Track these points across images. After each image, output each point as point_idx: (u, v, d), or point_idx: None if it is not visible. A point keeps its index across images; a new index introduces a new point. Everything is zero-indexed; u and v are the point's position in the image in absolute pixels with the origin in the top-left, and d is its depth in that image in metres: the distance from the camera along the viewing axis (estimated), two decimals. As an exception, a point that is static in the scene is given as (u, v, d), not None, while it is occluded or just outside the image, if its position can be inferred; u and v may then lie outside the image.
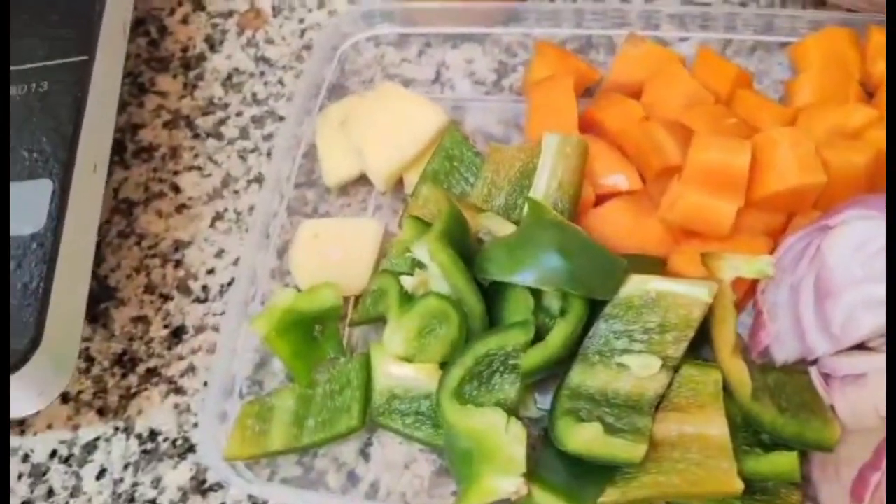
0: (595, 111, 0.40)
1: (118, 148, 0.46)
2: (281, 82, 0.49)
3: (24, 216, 0.32)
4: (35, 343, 0.29)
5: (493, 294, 0.34)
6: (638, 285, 0.32)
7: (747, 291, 0.36)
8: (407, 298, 0.34)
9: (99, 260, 0.41)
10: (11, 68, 0.36)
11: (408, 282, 0.34)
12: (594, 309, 0.33)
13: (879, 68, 0.42)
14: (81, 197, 0.34)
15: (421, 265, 0.34)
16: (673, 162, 0.37)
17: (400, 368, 0.33)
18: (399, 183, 0.42)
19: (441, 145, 0.40)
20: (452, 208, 0.35)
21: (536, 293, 0.34)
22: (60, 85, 0.36)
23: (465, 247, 0.35)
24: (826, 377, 0.33)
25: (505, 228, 0.36)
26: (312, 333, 0.36)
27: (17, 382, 0.28)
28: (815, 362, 0.34)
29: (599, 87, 0.45)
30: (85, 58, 0.37)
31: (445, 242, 0.33)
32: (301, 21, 0.52)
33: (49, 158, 0.33)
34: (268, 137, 0.47)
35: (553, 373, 0.33)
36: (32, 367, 0.29)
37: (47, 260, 0.31)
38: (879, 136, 0.38)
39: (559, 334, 0.32)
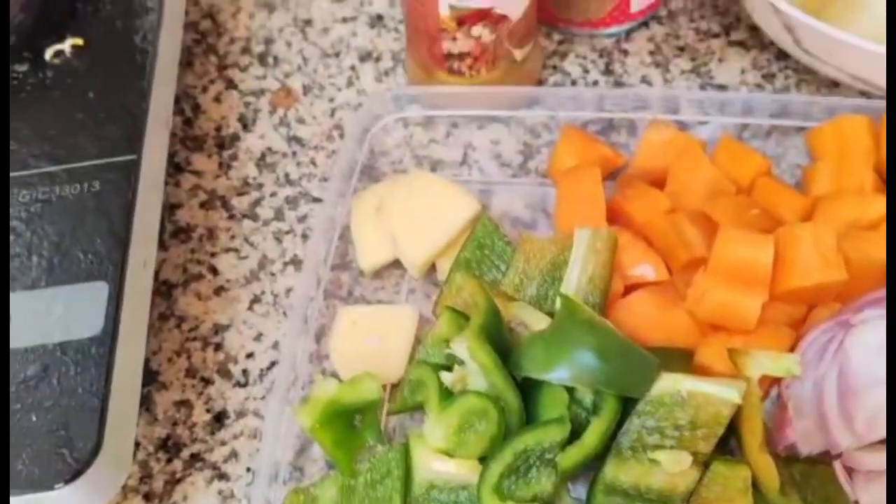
0: (622, 201, 0.42)
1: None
2: (313, 162, 0.51)
3: (82, 320, 0.33)
4: (96, 449, 0.30)
5: (528, 388, 0.35)
6: (669, 384, 0.33)
7: (773, 381, 0.38)
8: (447, 393, 0.36)
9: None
10: (66, 166, 0.38)
11: (447, 377, 0.36)
12: (627, 404, 0.34)
13: None
14: (134, 295, 0.35)
15: (460, 361, 0.36)
16: (698, 254, 0.39)
17: (442, 463, 0.34)
18: (432, 268, 0.43)
19: (473, 234, 0.42)
20: (488, 302, 0.36)
21: (570, 387, 0.35)
22: (111, 185, 0.37)
23: (500, 340, 0.36)
24: (850, 471, 0.34)
25: (537, 319, 0.38)
26: (353, 422, 0.37)
27: (79, 489, 0.30)
28: (839, 455, 0.35)
29: (623, 172, 0.46)
30: (133, 157, 0.38)
31: (483, 340, 0.35)
32: (331, 100, 0.54)
33: (103, 260, 0.35)
34: (302, 219, 0.48)
35: (592, 468, 0.35)
36: (94, 473, 0.30)
37: (106, 363, 0.32)
38: (897, 228, 0.39)
39: (595, 432, 0.33)
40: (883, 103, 0.45)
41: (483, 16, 0.45)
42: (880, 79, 0.44)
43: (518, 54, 0.48)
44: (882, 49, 0.41)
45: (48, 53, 0.43)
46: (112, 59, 0.42)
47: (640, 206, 0.41)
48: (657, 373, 0.34)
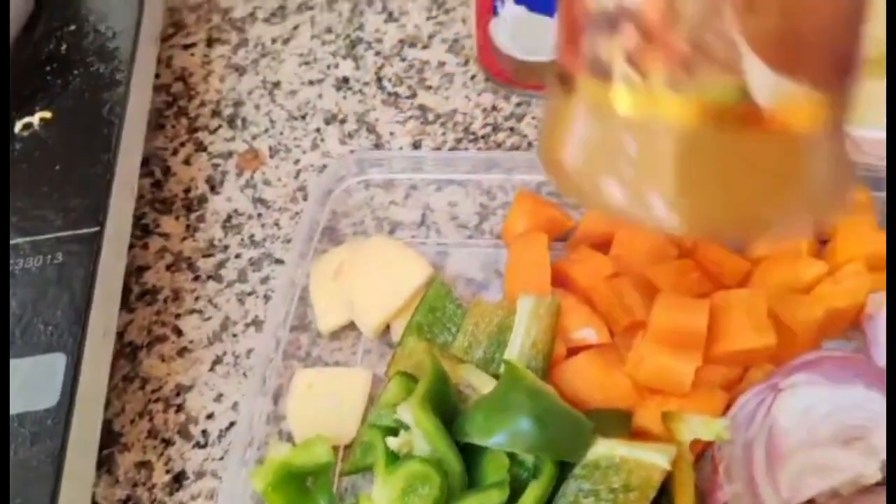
0: (567, 266, 0.44)
1: (123, 291, 0.49)
2: (277, 224, 0.53)
3: (39, 391, 0.35)
4: (50, 518, 0.32)
5: (471, 453, 0.37)
6: (604, 449, 0.35)
7: (707, 442, 0.39)
8: (393, 457, 0.37)
9: (105, 404, 0.44)
10: (30, 238, 0.40)
11: (393, 442, 0.37)
12: (564, 468, 0.36)
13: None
14: (93, 364, 0.37)
15: (406, 426, 0.37)
16: (639, 318, 0.41)
17: (386, 525, 0.36)
18: (387, 329, 0.45)
19: (425, 298, 0.43)
20: (435, 367, 0.38)
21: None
22: (74, 257, 0.39)
23: (447, 404, 0.38)
24: (780, 532, 0.36)
25: (483, 381, 0.39)
26: (306, 484, 0.39)
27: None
28: (770, 516, 0.36)
29: (572, 235, 0.48)
30: (96, 229, 0.40)
31: (428, 407, 0.36)
32: (296, 162, 0.56)
33: (63, 332, 0.36)
34: (264, 280, 0.50)
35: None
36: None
37: (61, 433, 0.34)
38: (828, 291, 0.41)
39: (531, 495, 0.35)
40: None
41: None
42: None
43: (767, 89, 0.20)
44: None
45: (17, 126, 0.45)
46: (79, 132, 0.44)
47: (584, 271, 0.43)
48: (592, 438, 0.35)
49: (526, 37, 0.53)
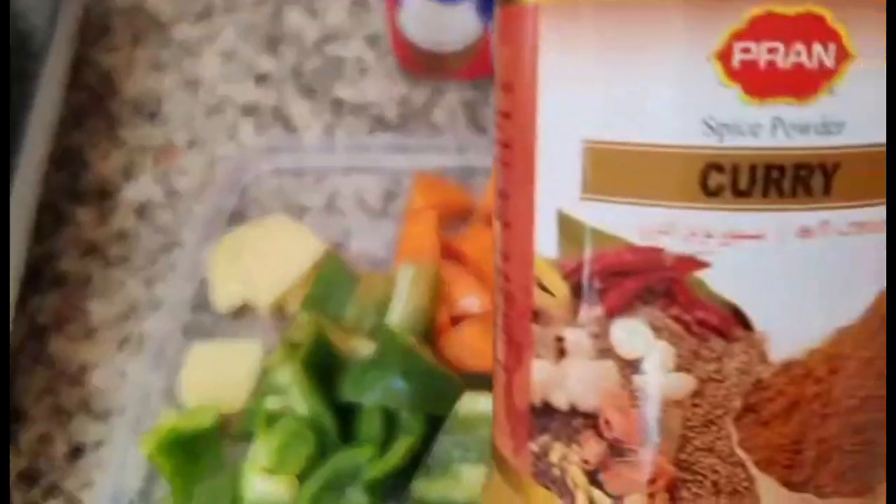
0: (459, 241, 0.45)
1: (35, 276, 0.50)
2: (189, 212, 0.54)
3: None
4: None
5: (350, 412, 0.38)
6: (470, 402, 0.36)
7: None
8: (273, 419, 0.38)
9: (10, 383, 0.45)
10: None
11: (271, 402, 0.38)
12: (436, 423, 0.37)
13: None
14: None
15: (285, 388, 0.38)
16: (519, 286, 0.42)
17: (263, 482, 0.37)
18: (284, 307, 0.46)
19: (319, 272, 0.45)
20: (315, 333, 0.39)
21: (396, 412, 0.38)
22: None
23: (329, 369, 0.39)
24: None
25: (368, 350, 0.41)
26: (194, 450, 0.40)
27: None
28: None
29: (473, 215, 0.50)
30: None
31: (305, 369, 0.38)
32: (211, 154, 0.57)
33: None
34: (172, 266, 0.51)
35: (404, 484, 0.37)
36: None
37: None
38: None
39: (402, 447, 0.36)
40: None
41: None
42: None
43: None
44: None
45: (-77, 114, 0.46)
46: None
47: (473, 245, 0.44)
48: (460, 394, 0.37)
49: (432, 26, 0.55)
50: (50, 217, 0.54)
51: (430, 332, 0.41)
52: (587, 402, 0.17)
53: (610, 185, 0.17)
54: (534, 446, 0.19)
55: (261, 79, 0.62)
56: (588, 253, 0.17)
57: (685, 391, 0.16)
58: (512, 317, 0.19)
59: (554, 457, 0.18)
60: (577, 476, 0.18)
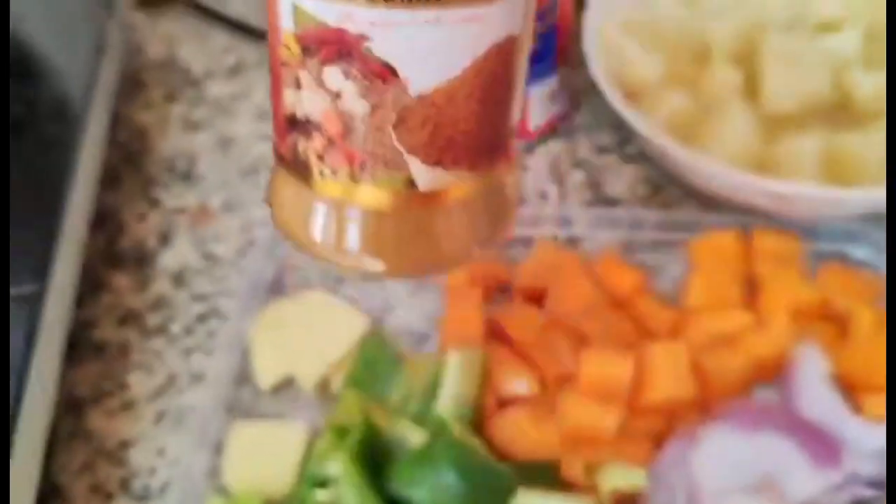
0: (501, 319, 0.45)
1: (71, 345, 0.50)
2: (226, 279, 0.53)
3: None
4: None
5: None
6: (524, 501, 0.36)
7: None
8: (322, 511, 0.38)
9: (47, 459, 0.44)
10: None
11: (322, 495, 0.38)
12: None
13: (762, 269, 0.46)
14: (30, 423, 0.37)
15: (335, 479, 0.38)
16: (569, 369, 0.42)
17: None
18: (328, 384, 0.46)
19: (361, 351, 0.44)
20: (366, 422, 0.39)
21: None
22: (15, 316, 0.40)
23: (377, 458, 0.39)
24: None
25: (416, 435, 0.40)
26: (238, 539, 0.39)
27: None
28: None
29: (512, 288, 0.49)
30: (37, 287, 0.41)
31: (357, 460, 0.37)
32: (247, 217, 0.57)
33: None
34: (211, 335, 0.51)
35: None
36: None
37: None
38: (752, 341, 0.42)
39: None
40: (760, 221, 0.48)
41: (345, 49, 0.39)
42: (750, 200, 0.48)
43: (425, 177, 0.40)
44: (743, 176, 0.45)
45: (-35, 186, 0.46)
46: (26, 196, 0.45)
47: (517, 323, 0.44)
48: (514, 490, 0.36)
49: None
50: (87, 283, 0.53)
51: (478, 418, 0.41)
52: (314, 116, 0.29)
53: None
54: (290, 141, 0.31)
55: (296, 139, 0.61)
56: (309, 28, 0.27)
57: (364, 110, 0.28)
58: (273, 65, 0.30)
59: (300, 147, 0.30)
60: (312, 159, 0.30)
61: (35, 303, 0.40)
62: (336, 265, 0.32)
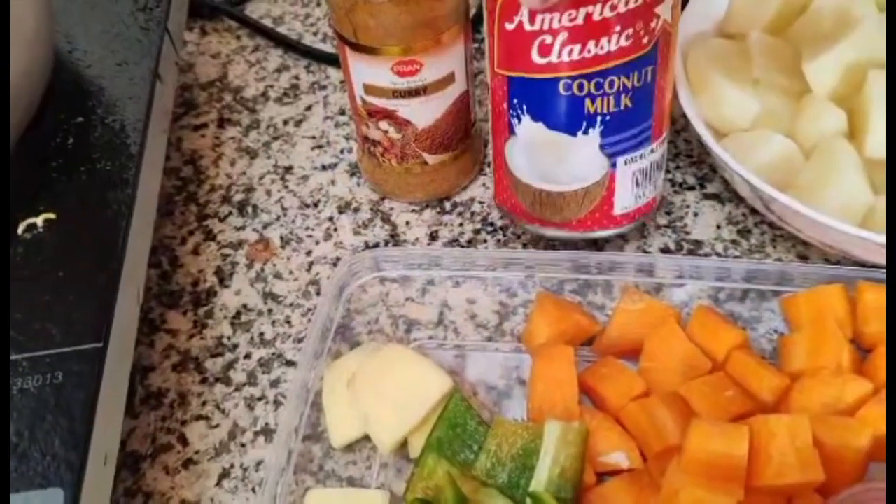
0: (594, 381, 0.42)
1: (127, 393, 0.47)
2: (288, 321, 0.50)
3: (34, 531, 0.33)
4: None
5: None
6: None
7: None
8: None
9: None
10: (29, 354, 0.38)
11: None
12: None
13: (872, 328, 0.43)
14: (91, 496, 0.35)
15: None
16: (672, 442, 0.38)
17: None
18: (404, 443, 0.43)
19: (445, 413, 0.41)
20: (454, 492, 0.36)
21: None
22: (74, 377, 0.37)
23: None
24: None
25: (509, 511, 0.37)
26: None
27: None
28: None
29: (599, 339, 0.46)
30: (99, 345, 0.38)
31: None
32: (308, 253, 0.54)
33: (61, 464, 0.34)
34: (274, 383, 0.48)
35: None
36: None
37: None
38: (875, 413, 0.39)
39: None
40: (859, 273, 0.45)
41: (388, 114, 0.49)
42: (850, 250, 0.45)
43: (430, 159, 0.52)
44: (849, 228, 0.41)
45: (21, 227, 0.43)
46: (84, 235, 0.42)
47: (613, 389, 0.41)
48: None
49: (543, 160, 0.46)
50: (142, 323, 0.50)
51: (575, 495, 0.37)
52: (376, 138, 0.53)
53: None
54: (366, 147, 0.53)
55: (356, 167, 0.58)
56: (369, 104, 0.48)
57: (398, 136, 0.50)
58: (353, 111, 0.50)
59: (372, 149, 0.49)
60: (378, 155, 0.53)
61: (96, 361, 0.37)
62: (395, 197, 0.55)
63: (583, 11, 0.38)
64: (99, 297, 0.40)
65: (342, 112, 0.63)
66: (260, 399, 0.47)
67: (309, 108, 0.64)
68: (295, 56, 0.68)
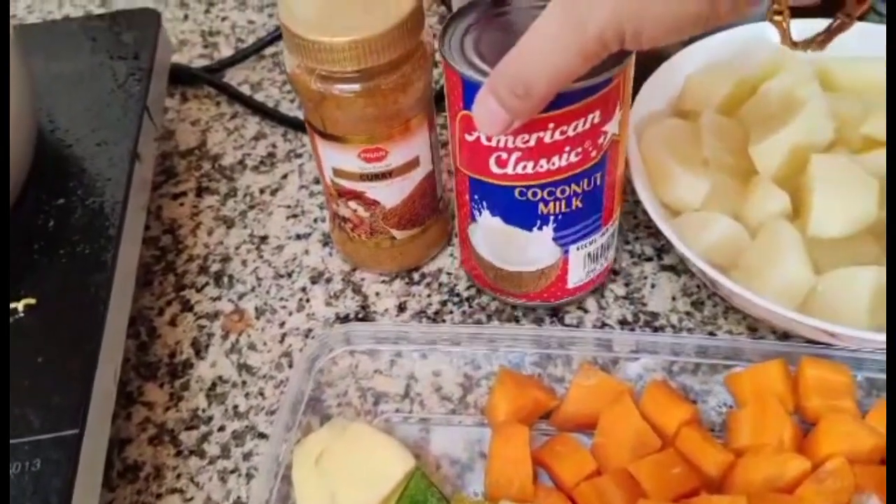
0: (550, 460, 0.44)
1: (104, 466, 0.48)
2: (261, 393, 0.52)
3: None
4: None
5: None
6: None
7: None
8: None
9: None
10: (10, 441, 0.40)
11: None
12: None
13: (813, 403, 0.45)
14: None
15: None
16: (622, 522, 0.41)
17: None
18: (369, 519, 0.45)
19: (406, 492, 0.43)
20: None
21: None
22: (52, 465, 0.38)
23: None
24: None
25: (466, 588, 0.39)
26: None
27: None
28: None
29: (556, 413, 0.48)
30: (75, 431, 0.40)
31: None
32: (282, 325, 0.56)
33: (39, 553, 0.36)
34: (247, 456, 0.50)
35: None
36: None
37: None
38: (811, 491, 0.41)
39: None
40: (804, 348, 0.47)
41: (356, 195, 0.52)
42: (794, 329, 0.47)
43: (398, 234, 0.55)
44: (787, 311, 0.44)
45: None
46: (62, 320, 0.44)
47: (567, 468, 0.43)
48: None
49: (502, 246, 0.50)
50: (119, 395, 0.52)
51: (529, 571, 0.40)
52: (346, 215, 0.55)
53: None
54: (337, 222, 0.56)
55: (328, 237, 0.61)
56: (339, 185, 0.52)
57: (367, 215, 0.54)
58: (325, 189, 0.55)
59: (343, 225, 0.52)
60: (347, 230, 0.56)
61: (73, 447, 0.39)
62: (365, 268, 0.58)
63: (535, 136, 0.41)
64: (76, 381, 0.42)
65: (317, 181, 0.65)
66: (233, 472, 0.49)
67: (285, 176, 0.66)
68: (272, 123, 0.70)
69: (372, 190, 0.51)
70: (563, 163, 0.43)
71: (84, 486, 0.39)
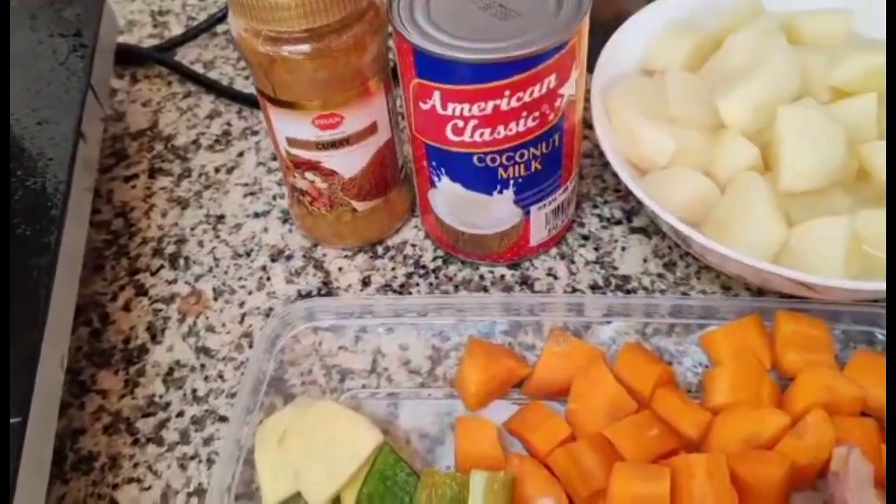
0: (523, 428, 0.42)
1: (58, 458, 0.46)
2: (221, 376, 0.50)
3: None
4: None
5: None
6: None
7: None
8: None
9: None
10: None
11: None
12: None
13: (790, 358, 0.44)
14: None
15: None
16: (598, 486, 0.39)
17: None
18: (337, 500, 0.43)
19: (374, 466, 0.41)
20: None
21: None
22: (-5, 454, 0.36)
23: None
24: None
25: (439, 564, 0.37)
26: None
27: None
28: None
29: (527, 382, 0.46)
30: (18, 419, 0.37)
31: None
32: (241, 305, 0.54)
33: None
34: (207, 441, 0.47)
35: None
36: None
37: None
38: (791, 446, 0.40)
39: None
40: (778, 303, 0.46)
41: (313, 166, 0.49)
42: (768, 283, 0.46)
43: (359, 206, 0.52)
44: (760, 263, 0.42)
45: (-61, 299, 0.42)
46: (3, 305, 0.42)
47: (541, 435, 0.41)
48: None
49: (463, 210, 0.50)
50: (72, 384, 0.50)
51: (504, 543, 0.38)
52: (304, 188, 0.52)
53: None
54: (296, 196, 0.51)
55: (288, 213, 0.59)
56: (295, 157, 0.47)
57: (325, 185, 0.51)
58: (281, 163, 0.51)
59: (301, 198, 0.50)
60: (306, 204, 0.52)
61: (17, 436, 0.37)
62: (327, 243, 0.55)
63: (491, 104, 0.40)
64: (19, 368, 0.39)
65: (274, 158, 0.63)
66: (193, 458, 0.47)
67: (241, 154, 0.64)
68: (226, 101, 0.68)
69: (329, 159, 0.49)
70: (521, 128, 0.42)
71: (29, 477, 0.37)
